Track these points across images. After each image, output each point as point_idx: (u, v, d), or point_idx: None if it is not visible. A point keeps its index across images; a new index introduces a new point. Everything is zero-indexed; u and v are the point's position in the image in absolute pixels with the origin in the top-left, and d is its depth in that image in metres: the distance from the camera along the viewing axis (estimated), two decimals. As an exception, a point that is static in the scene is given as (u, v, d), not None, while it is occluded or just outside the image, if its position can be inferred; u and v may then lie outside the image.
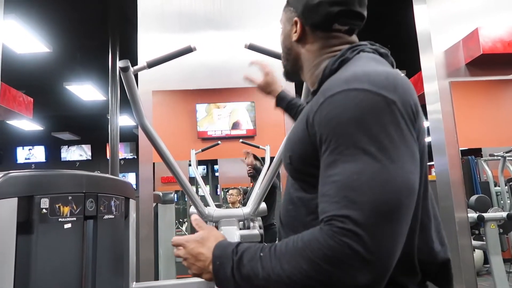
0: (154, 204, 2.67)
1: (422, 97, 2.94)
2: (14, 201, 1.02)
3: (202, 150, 2.79)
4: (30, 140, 10.68)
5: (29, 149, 10.93)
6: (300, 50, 0.89)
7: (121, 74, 1.11)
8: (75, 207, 1.18)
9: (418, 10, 2.90)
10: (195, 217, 0.84)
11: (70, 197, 1.17)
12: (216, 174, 9.98)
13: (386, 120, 0.64)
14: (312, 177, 0.73)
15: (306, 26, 0.86)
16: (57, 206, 1.12)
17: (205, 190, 2.16)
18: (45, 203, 1.09)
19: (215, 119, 3.65)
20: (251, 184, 4.76)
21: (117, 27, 6.00)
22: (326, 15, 0.83)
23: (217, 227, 1.55)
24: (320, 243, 0.60)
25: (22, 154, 10.92)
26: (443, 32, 2.79)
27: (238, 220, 1.53)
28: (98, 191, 1.27)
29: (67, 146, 10.97)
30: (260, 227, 1.60)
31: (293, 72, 0.95)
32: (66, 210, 1.16)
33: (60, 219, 1.13)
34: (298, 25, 0.86)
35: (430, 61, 2.77)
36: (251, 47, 1.41)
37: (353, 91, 0.66)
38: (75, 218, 1.18)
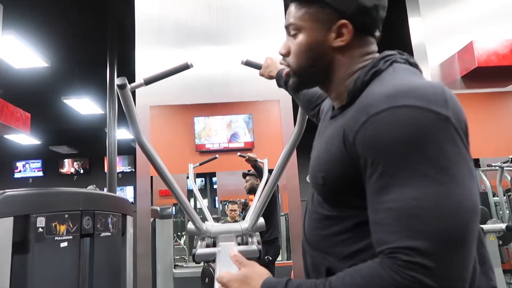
0: (152, 219, 2.66)
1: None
2: (10, 221, 1.01)
3: (200, 164, 2.78)
4: (27, 154, 10.65)
5: (27, 163, 10.89)
6: (336, 57, 0.77)
7: (118, 91, 1.11)
8: (71, 225, 1.17)
9: (413, 23, 2.93)
10: (234, 253, 0.79)
11: (66, 215, 1.16)
12: (215, 186, 9.93)
13: (442, 139, 0.59)
14: (347, 196, 0.70)
15: (354, 30, 0.75)
16: (53, 224, 1.11)
17: (202, 204, 2.15)
18: (41, 222, 1.08)
19: (213, 132, 3.66)
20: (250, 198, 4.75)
21: (115, 41, 6.03)
22: (377, 20, 0.76)
23: (214, 243, 1.54)
24: (385, 279, 0.56)
25: (20, 168, 10.87)
26: (438, 45, 2.82)
27: (236, 235, 1.52)
28: (95, 208, 1.27)
29: (65, 159, 10.93)
30: (258, 242, 1.59)
31: (313, 82, 0.85)
32: (62, 228, 1.15)
33: (56, 238, 1.12)
34: (347, 29, 0.74)
35: (426, 74, 2.80)
36: (248, 63, 1.42)
37: (402, 108, 0.60)
38: (71, 237, 1.17)
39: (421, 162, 0.58)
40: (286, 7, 0.84)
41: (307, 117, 1.30)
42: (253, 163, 3.08)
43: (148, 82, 1.20)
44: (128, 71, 3.85)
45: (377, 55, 0.78)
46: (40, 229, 1.13)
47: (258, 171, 3.14)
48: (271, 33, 2.64)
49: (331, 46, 0.76)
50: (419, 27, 2.88)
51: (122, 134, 8.51)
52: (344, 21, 0.74)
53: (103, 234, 1.35)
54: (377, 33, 0.79)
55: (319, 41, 0.77)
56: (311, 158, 0.85)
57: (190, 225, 1.48)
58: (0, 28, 2.57)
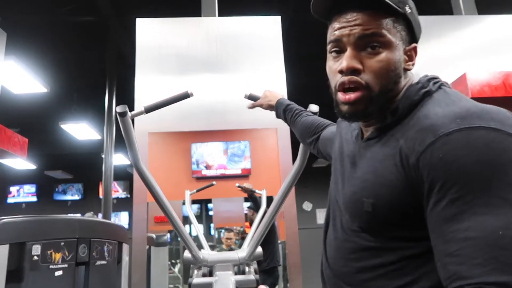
0: (147, 247, 2.62)
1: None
2: (5, 248, 1.00)
3: (197, 191, 2.77)
4: (21, 179, 10.54)
5: (21, 188, 10.76)
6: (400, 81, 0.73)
7: (118, 118, 1.13)
8: (67, 253, 1.15)
9: None
10: None
11: (62, 243, 1.15)
12: (210, 213, 9.82)
13: None
14: (397, 226, 0.65)
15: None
16: (49, 252, 1.09)
17: (199, 231, 2.12)
18: (36, 249, 1.06)
19: (210, 158, 3.65)
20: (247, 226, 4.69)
21: (114, 68, 6.12)
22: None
23: (211, 272, 1.51)
24: None
25: (13, 193, 10.73)
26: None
27: (234, 264, 1.49)
28: (91, 236, 1.25)
29: (59, 184, 10.82)
30: (255, 272, 1.56)
31: (384, 108, 0.73)
32: (58, 256, 1.13)
33: (51, 266, 1.10)
34: (415, 53, 0.75)
35: None
36: (250, 97, 1.44)
37: (479, 130, 0.56)
38: (66, 265, 1.15)
39: (505, 188, 0.52)
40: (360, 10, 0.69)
41: (309, 151, 1.31)
42: (249, 193, 3.06)
43: (148, 110, 1.22)
44: (126, 97, 3.89)
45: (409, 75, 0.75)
46: (35, 257, 1.12)
47: (254, 202, 3.11)
48: (268, 63, 2.70)
49: (405, 68, 0.73)
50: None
51: (118, 159, 8.49)
52: (415, 44, 0.74)
53: (98, 262, 1.32)
54: None
55: (402, 60, 0.72)
56: (335, 183, 0.81)
57: (186, 254, 1.46)
58: (2, 55, 2.61)
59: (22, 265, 1.10)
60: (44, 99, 6.45)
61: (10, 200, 10.67)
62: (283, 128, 2.86)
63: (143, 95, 2.57)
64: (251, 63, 2.69)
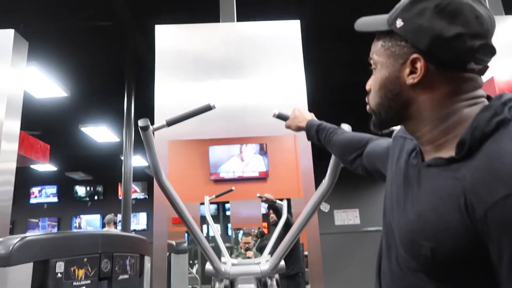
0: (167, 254, 2.62)
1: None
2: (29, 267, 1.00)
3: (216, 197, 2.76)
4: (43, 180, 10.79)
5: (42, 189, 11.01)
6: (416, 96, 0.68)
7: (140, 133, 1.12)
8: (90, 268, 1.15)
9: None
10: None
11: (85, 259, 1.14)
12: (227, 213, 9.85)
13: None
14: (458, 274, 0.60)
15: (431, 65, 0.65)
16: (72, 269, 1.09)
17: (219, 240, 2.10)
18: (60, 266, 1.06)
19: (228, 161, 3.65)
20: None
21: (133, 71, 6.19)
22: (464, 52, 0.63)
23: (232, 283, 1.49)
24: None
25: (35, 194, 11.00)
26: None
27: (256, 277, 1.47)
28: (114, 250, 1.25)
29: (80, 185, 11.03)
30: (277, 284, 1.53)
31: (393, 121, 0.75)
32: (81, 272, 1.13)
33: (74, 283, 1.10)
34: (420, 64, 0.65)
35: None
36: (279, 116, 1.39)
37: None
38: (89, 281, 1.15)
39: None
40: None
41: (340, 169, 1.26)
42: (271, 203, 3.03)
43: (170, 123, 1.21)
44: (145, 100, 3.93)
45: (481, 94, 0.67)
46: (59, 274, 1.12)
47: (276, 213, 3.09)
48: (287, 67, 2.66)
49: (404, 82, 0.68)
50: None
51: (137, 161, 8.59)
52: (415, 55, 0.65)
53: (121, 276, 1.32)
54: (476, 67, 0.65)
55: (392, 77, 0.69)
56: (391, 209, 0.74)
57: (208, 266, 1.44)
58: (25, 62, 2.65)
59: (46, 283, 1.10)
60: (64, 103, 6.57)
61: (33, 200, 10.94)
62: (303, 134, 2.80)
63: (162, 100, 2.57)
64: (270, 68, 2.66)
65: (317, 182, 2.29)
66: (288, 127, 1.38)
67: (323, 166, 1.36)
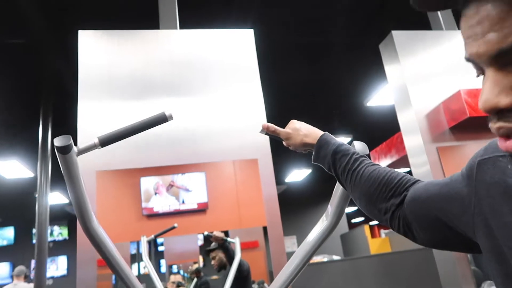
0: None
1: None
2: None
3: (155, 236, 2.40)
4: None
5: None
6: None
7: (58, 157, 0.78)
8: None
9: (391, 71, 2.88)
10: None
11: None
12: (160, 248, 9.18)
13: None
14: None
15: None
16: None
17: (158, 282, 1.78)
18: None
19: (162, 193, 3.31)
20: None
21: (51, 94, 5.55)
22: None
23: None
24: None
25: None
26: (422, 95, 2.72)
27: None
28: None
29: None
30: None
31: None
32: None
33: None
34: None
35: (414, 125, 2.68)
36: (269, 133, 1.03)
37: None
38: None
39: None
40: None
41: (347, 204, 0.98)
42: (221, 242, 2.68)
43: (105, 142, 0.83)
44: (66, 129, 3.43)
45: None
46: None
47: (226, 252, 2.70)
48: (242, 81, 2.46)
49: None
50: (398, 75, 2.81)
51: (55, 198, 7.73)
52: None
53: None
54: None
55: None
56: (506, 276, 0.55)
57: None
58: None
59: None
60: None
61: None
62: (265, 158, 2.57)
63: (88, 125, 2.19)
64: (222, 83, 2.43)
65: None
66: (287, 144, 1.03)
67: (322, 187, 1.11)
